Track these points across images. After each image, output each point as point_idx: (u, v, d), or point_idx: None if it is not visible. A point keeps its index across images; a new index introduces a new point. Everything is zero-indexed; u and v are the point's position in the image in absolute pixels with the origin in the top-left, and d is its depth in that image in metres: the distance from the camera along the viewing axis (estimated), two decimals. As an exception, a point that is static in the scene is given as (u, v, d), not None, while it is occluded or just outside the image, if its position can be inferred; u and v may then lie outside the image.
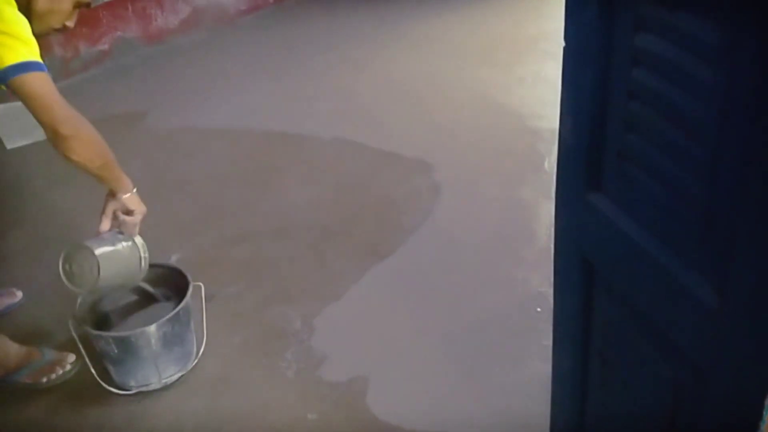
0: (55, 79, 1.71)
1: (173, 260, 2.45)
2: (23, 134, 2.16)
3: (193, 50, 4.00)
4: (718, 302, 0.90)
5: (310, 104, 3.46)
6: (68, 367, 2.11)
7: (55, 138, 1.68)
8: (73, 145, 1.68)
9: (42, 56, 1.67)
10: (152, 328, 1.91)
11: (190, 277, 2.03)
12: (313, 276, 2.42)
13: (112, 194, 1.86)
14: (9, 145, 2.22)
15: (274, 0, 4.41)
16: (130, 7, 3.81)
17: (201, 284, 2.13)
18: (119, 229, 1.89)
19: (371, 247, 2.52)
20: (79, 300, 2.00)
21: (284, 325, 2.22)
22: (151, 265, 2.13)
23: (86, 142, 1.72)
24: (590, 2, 1.01)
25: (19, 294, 2.41)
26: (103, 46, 3.77)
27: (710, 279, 0.91)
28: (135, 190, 1.89)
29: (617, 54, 1.01)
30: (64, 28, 1.85)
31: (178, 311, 1.95)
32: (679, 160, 0.93)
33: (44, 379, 2.08)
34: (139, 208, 1.90)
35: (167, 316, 1.92)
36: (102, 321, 2.07)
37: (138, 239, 1.91)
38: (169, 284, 2.10)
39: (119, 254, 1.87)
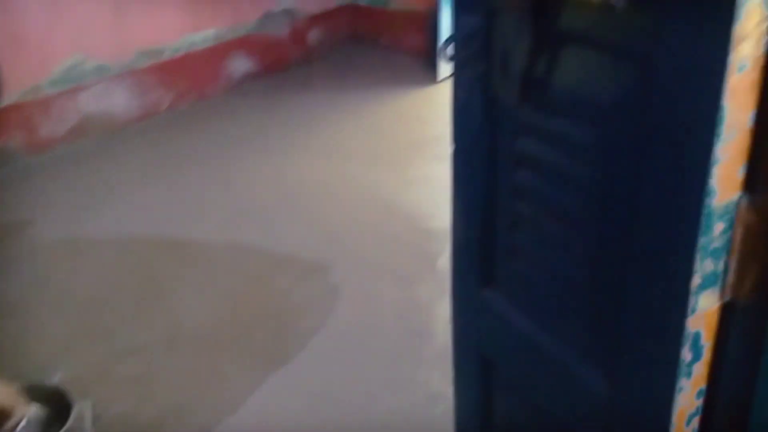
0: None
1: (56, 379, 2.29)
2: None
3: (81, 158, 3.90)
4: (608, 390, 0.93)
5: (202, 210, 3.42)
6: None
7: None
8: None
9: None
10: (31, 453, 1.76)
11: (73, 397, 1.90)
12: (207, 389, 2.32)
13: None
14: None
15: (166, 107, 4.40)
16: (13, 117, 3.71)
17: (87, 403, 2.00)
18: None
19: (269, 355, 2.46)
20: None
21: (178, 442, 2.10)
22: (32, 386, 2.00)
23: None
24: (474, 108, 1.08)
25: None
26: (-17, 155, 3.63)
27: (600, 367, 0.95)
28: None
29: (501, 156, 1.07)
30: None
31: (61, 433, 1.81)
32: (563, 253, 0.98)
33: None
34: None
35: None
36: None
37: None
38: (51, 405, 1.95)
39: None
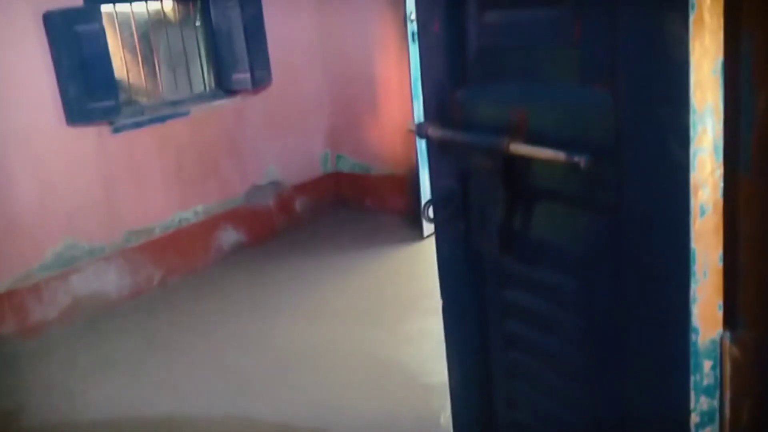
0: None
1: None
2: None
3: (73, 340, 3.87)
4: None
5: (197, 385, 3.36)
6: None
7: None
8: None
9: None
10: None
11: None
12: None
13: None
14: None
15: (158, 282, 4.45)
16: (6, 303, 3.73)
17: None
18: None
19: None
20: None
21: None
22: None
23: None
24: (459, 263, 1.12)
25: None
26: (-27, 344, 3.60)
27: None
28: None
29: (490, 307, 1.10)
30: None
31: None
32: (559, 400, 0.98)
33: None
34: None
35: None
36: None
37: None
38: None
39: None
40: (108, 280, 4.21)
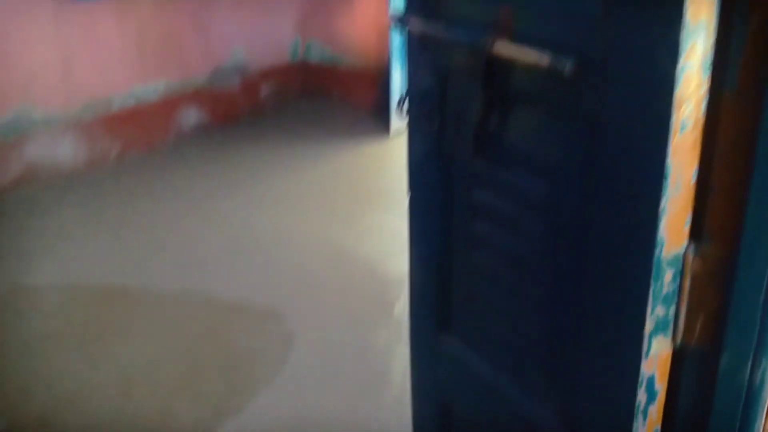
0: None
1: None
2: None
3: (27, 206, 3.82)
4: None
5: (151, 258, 3.38)
6: None
7: None
8: None
9: None
10: None
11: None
12: (160, 441, 2.28)
13: None
14: None
15: (115, 156, 4.37)
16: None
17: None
18: None
19: (221, 403, 2.43)
20: None
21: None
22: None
23: None
24: (430, 161, 1.12)
25: None
26: (-76, 203, 3.53)
27: (558, 410, 0.98)
28: None
29: (457, 207, 1.12)
30: None
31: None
32: (519, 301, 1.02)
33: None
34: None
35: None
36: None
37: None
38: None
39: None
40: (63, 151, 4.13)
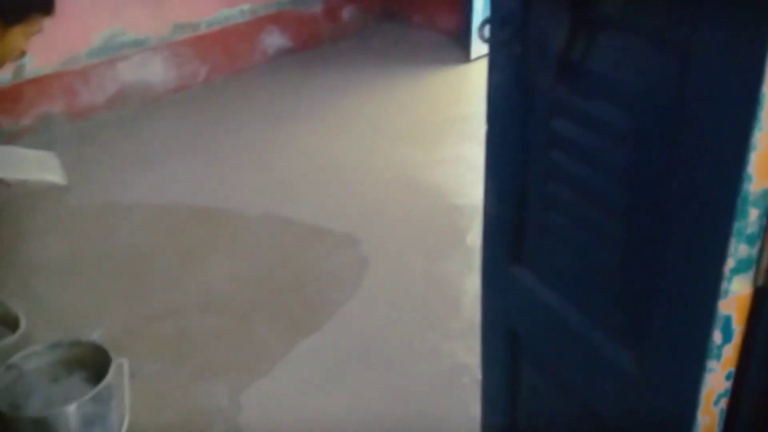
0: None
1: (95, 337, 2.37)
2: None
3: (118, 127, 3.97)
4: (636, 368, 0.96)
5: (236, 180, 3.48)
6: None
7: None
8: None
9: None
10: (71, 408, 1.83)
11: (111, 354, 1.98)
12: (240, 352, 2.39)
13: None
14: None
15: (203, 79, 4.45)
16: (55, 84, 3.79)
17: (124, 361, 2.07)
18: None
19: (299, 322, 2.52)
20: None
21: (210, 403, 2.17)
22: (72, 343, 2.07)
23: None
24: (509, 89, 1.10)
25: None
26: (26, 121, 3.71)
27: (628, 346, 0.97)
28: None
29: (535, 137, 1.09)
30: (23, 55, 1.99)
31: (99, 390, 1.88)
32: (594, 235, 1.00)
33: None
34: None
35: (88, 396, 1.86)
36: (17, 401, 1.98)
37: None
38: (89, 362, 2.03)
39: None
40: (153, 71, 4.23)
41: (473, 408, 1.87)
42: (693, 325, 0.82)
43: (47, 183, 2.23)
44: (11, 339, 1.89)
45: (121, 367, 2.05)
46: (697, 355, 0.82)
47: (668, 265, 0.85)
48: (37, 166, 2.27)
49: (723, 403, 0.85)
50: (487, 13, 1.15)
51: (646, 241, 0.89)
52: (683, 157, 0.78)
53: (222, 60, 4.48)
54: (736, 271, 0.75)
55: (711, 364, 0.82)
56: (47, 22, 1.98)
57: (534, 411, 1.30)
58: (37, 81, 3.69)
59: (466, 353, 2.29)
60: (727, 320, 0.79)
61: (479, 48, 4.43)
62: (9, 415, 1.85)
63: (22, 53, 2.00)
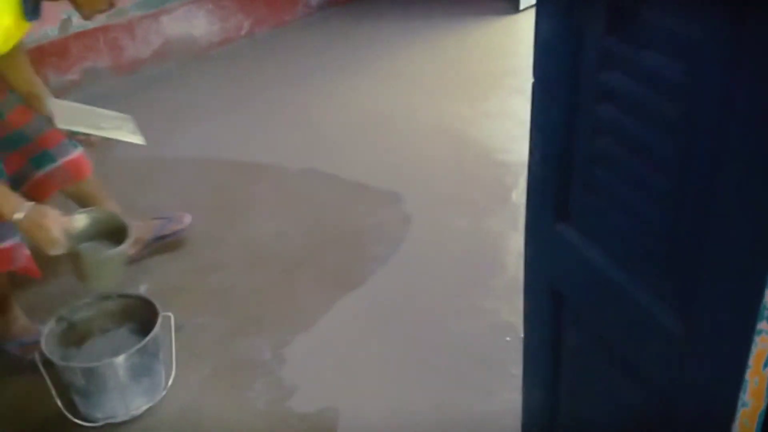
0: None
1: (142, 290, 2.42)
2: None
3: (163, 81, 4.00)
4: (683, 330, 0.93)
5: (279, 135, 3.48)
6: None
7: None
8: None
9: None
10: (120, 359, 1.88)
11: (158, 308, 2.02)
12: (283, 306, 2.41)
13: None
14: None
15: (246, 33, 4.44)
16: (101, 38, 3.82)
17: (170, 314, 2.12)
18: None
19: (341, 278, 2.53)
20: (46, 330, 1.97)
21: (254, 356, 2.20)
22: (120, 296, 2.12)
23: None
24: (558, 39, 1.05)
25: (188, 219, 2.64)
26: (73, 75, 3.76)
27: (675, 308, 0.94)
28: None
29: (584, 90, 1.05)
30: (111, 6, 2.04)
31: (147, 342, 1.93)
32: (643, 192, 0.97)
33: (32, 356, 2.02)
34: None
35: (135, 347, 1.90)
36: (69, 351, 2.04)
37: None
38: (137, 314, 2.08)
39: None
40: (198, 25, 4.22)
41: (515, 367, 1.87)
42: (744, 285, 0.79)
43: (128, 142, 2.31)
44: (123, 247, 1.96)
45: (167, 320, 2.09)
46: (748, 316, 0.79)
47: (719, 224, 0.81)
48: (119, 127, 2.34)
49: (773, 366, 0.82)
50: (536, -40, 1.10)
51: (697, 199, 0.86)
52: (740, 112, 0.73)
53: (265, 13, 4.45)
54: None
55: (761, 325, 0.79)
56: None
57: (576, 370, 1.28)
58: (84, 35, 3.72)
59: (509, 311, 2.28)
60: (781, 282, 0.75)
61: (529, -2, 4.33)
62: (60, 366, 1.91)
63: (111, 4, 2.03)
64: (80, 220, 2.00)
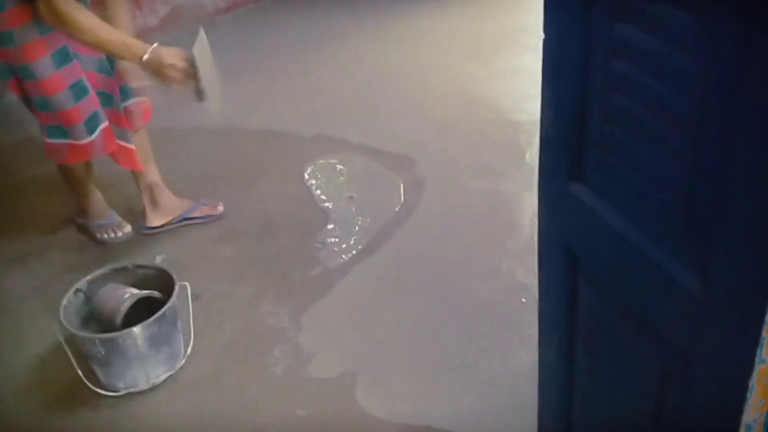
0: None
1: (158, 260, 2.44)
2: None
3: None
4: (700, 289, 0.91)
5: (290, 102, 3.45)
6: (121, 234, 2.56)
7: None
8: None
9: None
10: (138, 328, 1.90)
11: (175, 277, 2.03)
12: (299, 273, 2.42)
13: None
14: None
15: (254, -2, 4.38)
16: (107, 7, 3.78)
17: (187, 284, 2.13)
18: None
19: (357, 240, 2.53)
20: (64, 302, 1.98)
21: (272, 323, 2.22)
22: (137, 266, 2.13)
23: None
24: (569, -6, 1.02)
25: (221, 208, 2.69)
26: (81, 46, 3.74)
27: (692, 267, 0.93)
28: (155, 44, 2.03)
29: (596, 46, 1.02)
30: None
31: (165, 311, 1.94)
32: (658, 149, 0.94)
33: (104, 236, 2.54)
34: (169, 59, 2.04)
35: (154, 317, 1.92)
36: (88, 323, 2.06)
37: None
38: (155, 284, 2.09)
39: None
40: (204, -9, 4.15)
41: (530, 328, 1.86)
42: (761, 242, 0.77)
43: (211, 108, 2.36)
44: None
45: (184, 290, 2.10)
46: (766, 273, 0.77)
47: (736, 182, 0.79)
48: (214, 87, 2.31)
49: (792, 325, 0.81)
50: None
51: (714, 156, 0.83)
52: (756, 65, 0.71)
53: (273, -22, 4.38)
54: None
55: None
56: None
57: (592, 330, 1.27)
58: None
59: (525, 273, 2.27)
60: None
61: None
62: (79, 337, 1.93)
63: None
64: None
